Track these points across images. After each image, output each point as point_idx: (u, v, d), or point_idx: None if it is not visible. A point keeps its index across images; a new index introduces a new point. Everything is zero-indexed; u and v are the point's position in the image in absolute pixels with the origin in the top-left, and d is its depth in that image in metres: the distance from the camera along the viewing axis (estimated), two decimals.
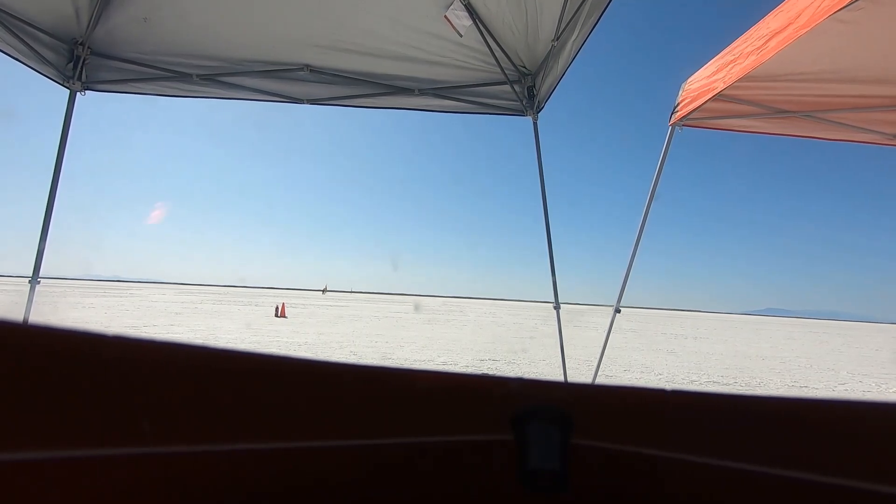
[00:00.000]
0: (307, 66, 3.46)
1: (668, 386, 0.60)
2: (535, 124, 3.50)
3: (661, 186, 3.55)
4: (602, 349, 3.75)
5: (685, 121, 3.23)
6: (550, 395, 0.61)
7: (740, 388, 7.49)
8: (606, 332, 3.69)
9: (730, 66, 2.67)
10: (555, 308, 3.62)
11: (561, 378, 0.73)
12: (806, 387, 8.00)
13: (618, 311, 3.65)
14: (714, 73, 2.85)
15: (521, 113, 3.57)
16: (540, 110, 3.48)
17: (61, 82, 3.30)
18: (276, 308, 17.76)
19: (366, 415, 0.60)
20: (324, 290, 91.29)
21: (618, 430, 0.62)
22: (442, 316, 24.69)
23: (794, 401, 0.55)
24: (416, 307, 36.56)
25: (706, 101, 2.91)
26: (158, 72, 3.45)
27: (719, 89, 2.75)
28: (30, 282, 3.25)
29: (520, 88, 3.46)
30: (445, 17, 2.91)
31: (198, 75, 3.46)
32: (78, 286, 51.50)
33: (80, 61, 3.26)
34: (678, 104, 3.21)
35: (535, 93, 3.43)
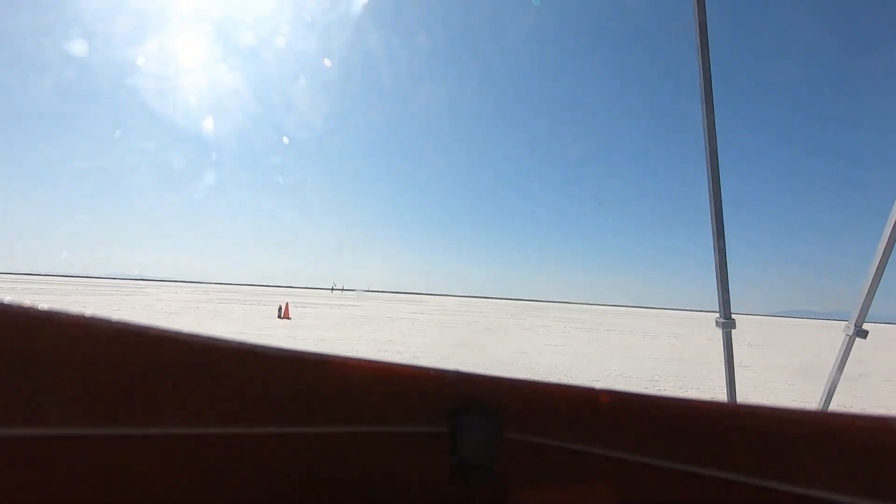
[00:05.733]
0: None
1: (598, 385, 0.63)
2: None
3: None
4: (833, 377, 1.98)
5: None
6: (486, 390, 0.65)
7: None
8: (839, 358, 1.88)
9: None
10: (722, 324, 1.77)
11: (496, 374, 0.66)
12: None
13: (860, 333, 1.80)
14: None
15: None
16: None
17: None
18: (280, 308, 16.12)
19: (304, 402, 0.62)
20: (332, 289, 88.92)
21: (548, 426, 0.66)
22: (458, 317, 22.82)
23: (715, 404, 0.60)
24: (439, 307, 34.70)
25: None
26: None
27: None
28: None
29: None
30: None
31: None
32: (88, 284, 50.99)
33: None
34: None
35: None
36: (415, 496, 0.66)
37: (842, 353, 1.91)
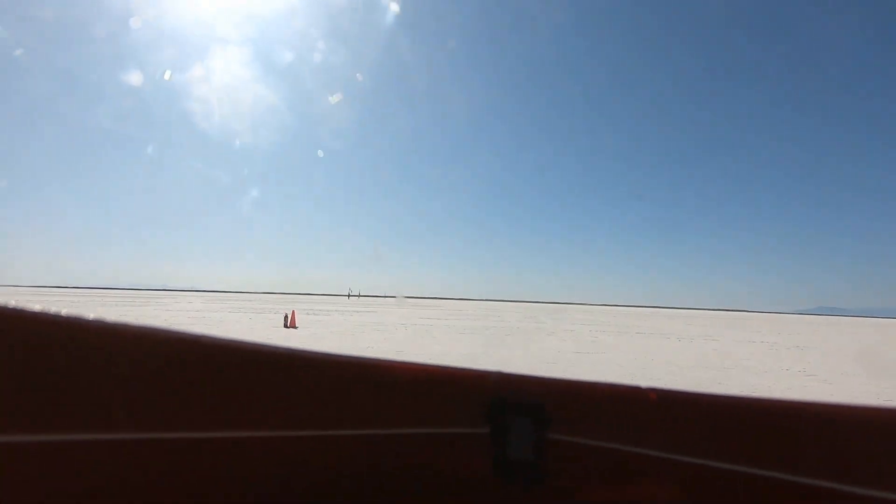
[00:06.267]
0: None
1: (644, 383, 0.62)
2: None
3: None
4: None
5: None
6: (528, 389, 0.64)
7: None
8: None
9: None
10: None
11: (538, 374, 0.66)
12: None
13: None
14: None
15: None
16: None
17: None
18: (286, 316, 15.20)
19: (344, 405, 0.61)
20: (349, 296, 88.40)
21: (593, 425, 0.64)
22: (476, 321, 21.70)
23: (767, 401, 0.58)
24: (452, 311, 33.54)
25: None
26: None
27: None
28: None
29: None
30: None
31: None
32: (108, 295, 51.06)
33: None
34: None
35: None
36: (458, 498, 0.65)
37: None
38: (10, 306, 0.47)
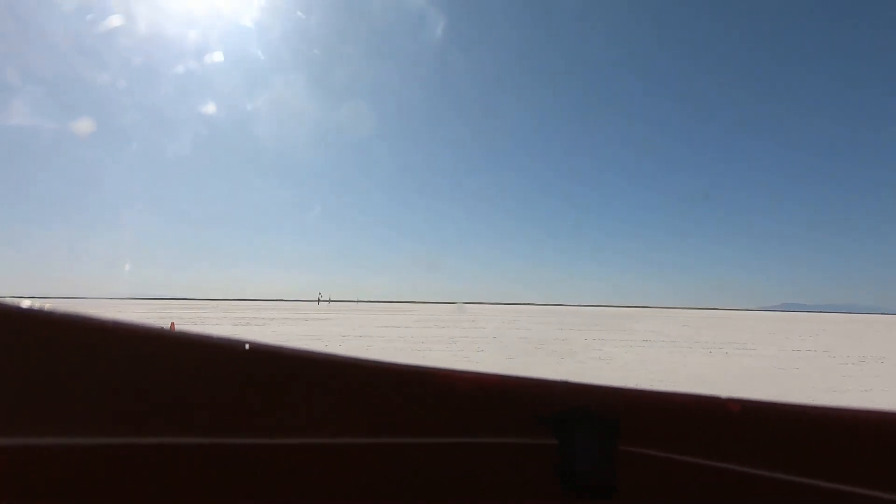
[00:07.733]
0: None
1: (724, 394, 0.58)
2: None
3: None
4: None
5: None
6: (597, 399, 0.61)
7: None
8: None
9: None
10: None
11: (607, 383, 0.64)
12: None
13: None
14: None
15: None
16: None
17: None
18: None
19: (407, 413, 0.61)
20: (318, 300, 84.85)
21: (668, 437, 0.61)
22: (444, 329, 18.46)
23: (853, 411, 0.54)
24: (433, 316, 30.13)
25: None
26: None
27: None
28: None
29: None
30: None
31: None
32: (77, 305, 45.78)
33: None
34: None
35: None
36: None
37: None
38: (14, 305, 0.46)
